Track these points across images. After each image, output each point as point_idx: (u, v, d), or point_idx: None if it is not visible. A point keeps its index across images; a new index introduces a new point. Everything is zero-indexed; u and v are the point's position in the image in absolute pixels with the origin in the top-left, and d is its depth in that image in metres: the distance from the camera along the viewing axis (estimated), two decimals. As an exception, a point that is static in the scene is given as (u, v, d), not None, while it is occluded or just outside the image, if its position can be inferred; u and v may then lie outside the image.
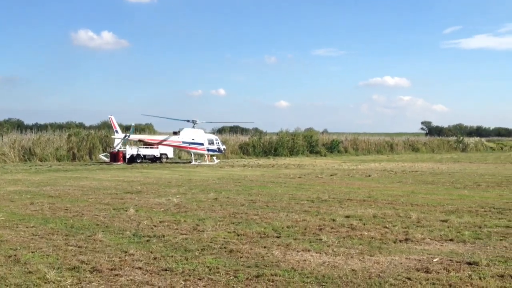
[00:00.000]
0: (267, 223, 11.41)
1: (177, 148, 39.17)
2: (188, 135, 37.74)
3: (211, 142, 38.58)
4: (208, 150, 38.37)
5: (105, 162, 38.49)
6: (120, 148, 36.92)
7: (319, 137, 57.21)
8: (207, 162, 38.31)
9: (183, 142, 37.43)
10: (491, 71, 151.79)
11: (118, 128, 36.81)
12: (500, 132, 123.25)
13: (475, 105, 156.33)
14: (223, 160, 43.12)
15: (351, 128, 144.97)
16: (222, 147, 40.10)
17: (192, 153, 38.08)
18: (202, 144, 37.78)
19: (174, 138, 37.65)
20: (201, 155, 38.99)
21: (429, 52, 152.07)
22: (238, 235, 9.95)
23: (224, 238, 9.71)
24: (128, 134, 36.09)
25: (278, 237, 9.87)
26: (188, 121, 38.76)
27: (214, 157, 39.38)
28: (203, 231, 10.32)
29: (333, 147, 54.98)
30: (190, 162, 37.73)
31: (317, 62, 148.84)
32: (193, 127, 38.53)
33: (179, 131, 37.83)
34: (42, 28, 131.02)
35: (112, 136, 37.54)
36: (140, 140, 37.39)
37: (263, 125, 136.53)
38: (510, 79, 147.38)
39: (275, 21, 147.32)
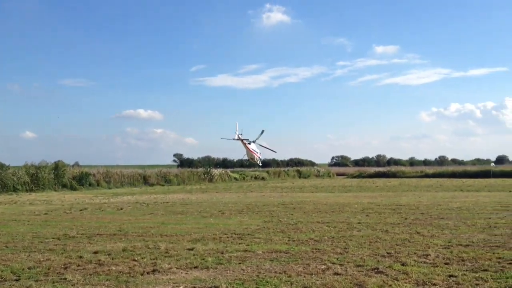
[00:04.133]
0: (5, 265, 10.41)
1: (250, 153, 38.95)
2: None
3: (260, 153, 39.75)
4: (259, 158, 39.86)
5: None
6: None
7: (68, 170, 54.36)
8: None
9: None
10: (232, 107, 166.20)
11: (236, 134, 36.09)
12: (243, 164, 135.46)
13: (220, 138, 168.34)
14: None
15: (105, 161, 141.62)
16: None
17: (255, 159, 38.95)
18: (258, 152, 39.30)
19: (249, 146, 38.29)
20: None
21: (180, 87, 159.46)
22: (-33, 283, 8.81)
23: (-51, 288, 8.48)
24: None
25: (17, 280, 9.11)
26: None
27: None
28: None
29: (83, 180, 52.85)
30: None
31: (66, 92, 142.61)
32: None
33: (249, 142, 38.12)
34: None
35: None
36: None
37: (5, 158, 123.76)
38: (248, 115, 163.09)
39: (17, 47, 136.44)
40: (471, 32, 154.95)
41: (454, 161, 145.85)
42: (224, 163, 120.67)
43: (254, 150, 39.69)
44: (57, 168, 51.10)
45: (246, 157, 40.68)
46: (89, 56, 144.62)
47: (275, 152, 45.15)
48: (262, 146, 42.42)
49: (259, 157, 40.77)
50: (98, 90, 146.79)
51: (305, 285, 8.55)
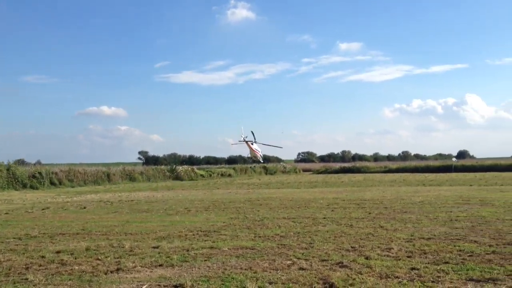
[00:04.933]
0: (-38, 268, 10.05)
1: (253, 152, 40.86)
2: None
3: (261, 151, 41.45)
4: (260, 156, 41.95)
5: None
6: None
7: (29, 169, 53.01)
8: None
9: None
10: (198, 104, 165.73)
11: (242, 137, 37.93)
12: (209, 161, 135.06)
13: (187, 136, 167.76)
14: None
15: (68, 159, 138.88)
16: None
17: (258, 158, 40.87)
18: (259, 150, 40.92)
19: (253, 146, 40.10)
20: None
21: (143, 84, 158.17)
22: None
23: None
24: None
25: (-25, 282, 8.80)
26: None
27: None
28: None
29: (45, 179, 51.62)
30: None
31: (27, 89, 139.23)
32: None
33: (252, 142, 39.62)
34: None
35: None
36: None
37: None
38: (213, 111, 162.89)
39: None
40: (433, 29, 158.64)
41: (417, 156, 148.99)
42: (191, 160, 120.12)
43: (256, 150, 41.79)
44: (17, 168, 49.70)
45: (249, 156, 42.89)
46: (50, 52, 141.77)
47: (281, 148, 47.10)
48: (266, 145, 44.52)
49: (260, 155, 43.30)
50: (61, 87, 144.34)
51: (270, 280, 8.58)
